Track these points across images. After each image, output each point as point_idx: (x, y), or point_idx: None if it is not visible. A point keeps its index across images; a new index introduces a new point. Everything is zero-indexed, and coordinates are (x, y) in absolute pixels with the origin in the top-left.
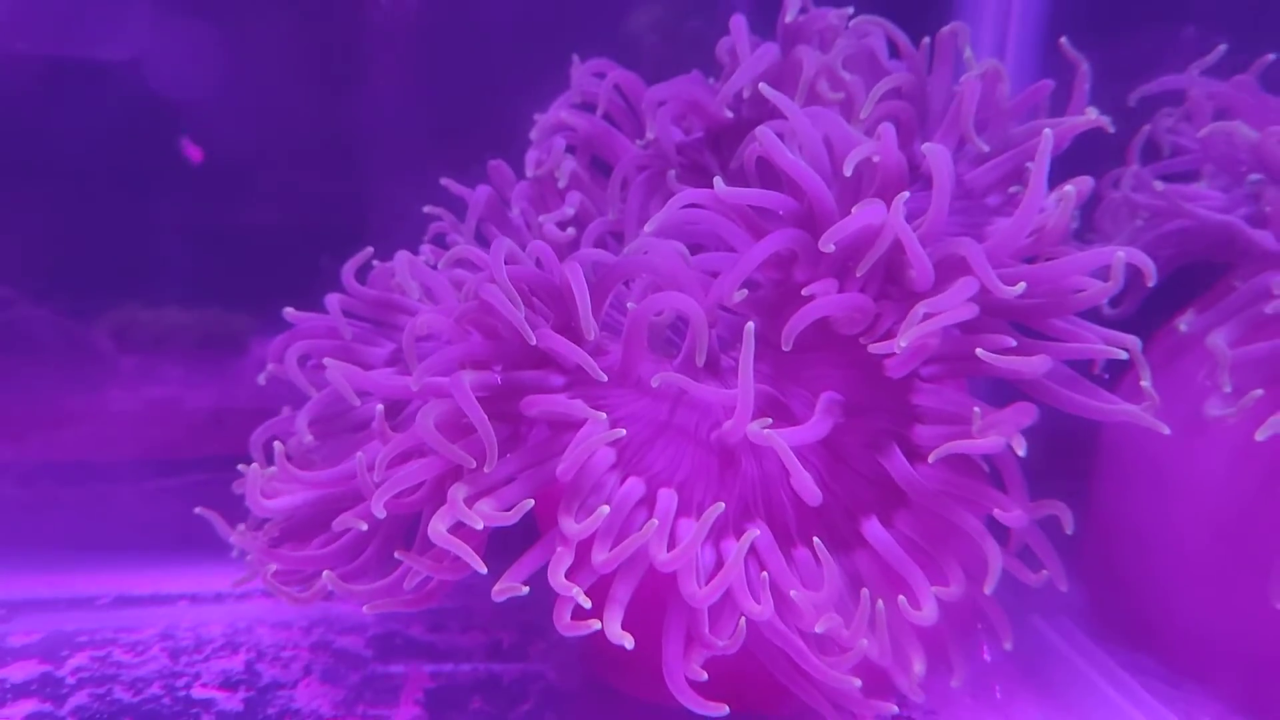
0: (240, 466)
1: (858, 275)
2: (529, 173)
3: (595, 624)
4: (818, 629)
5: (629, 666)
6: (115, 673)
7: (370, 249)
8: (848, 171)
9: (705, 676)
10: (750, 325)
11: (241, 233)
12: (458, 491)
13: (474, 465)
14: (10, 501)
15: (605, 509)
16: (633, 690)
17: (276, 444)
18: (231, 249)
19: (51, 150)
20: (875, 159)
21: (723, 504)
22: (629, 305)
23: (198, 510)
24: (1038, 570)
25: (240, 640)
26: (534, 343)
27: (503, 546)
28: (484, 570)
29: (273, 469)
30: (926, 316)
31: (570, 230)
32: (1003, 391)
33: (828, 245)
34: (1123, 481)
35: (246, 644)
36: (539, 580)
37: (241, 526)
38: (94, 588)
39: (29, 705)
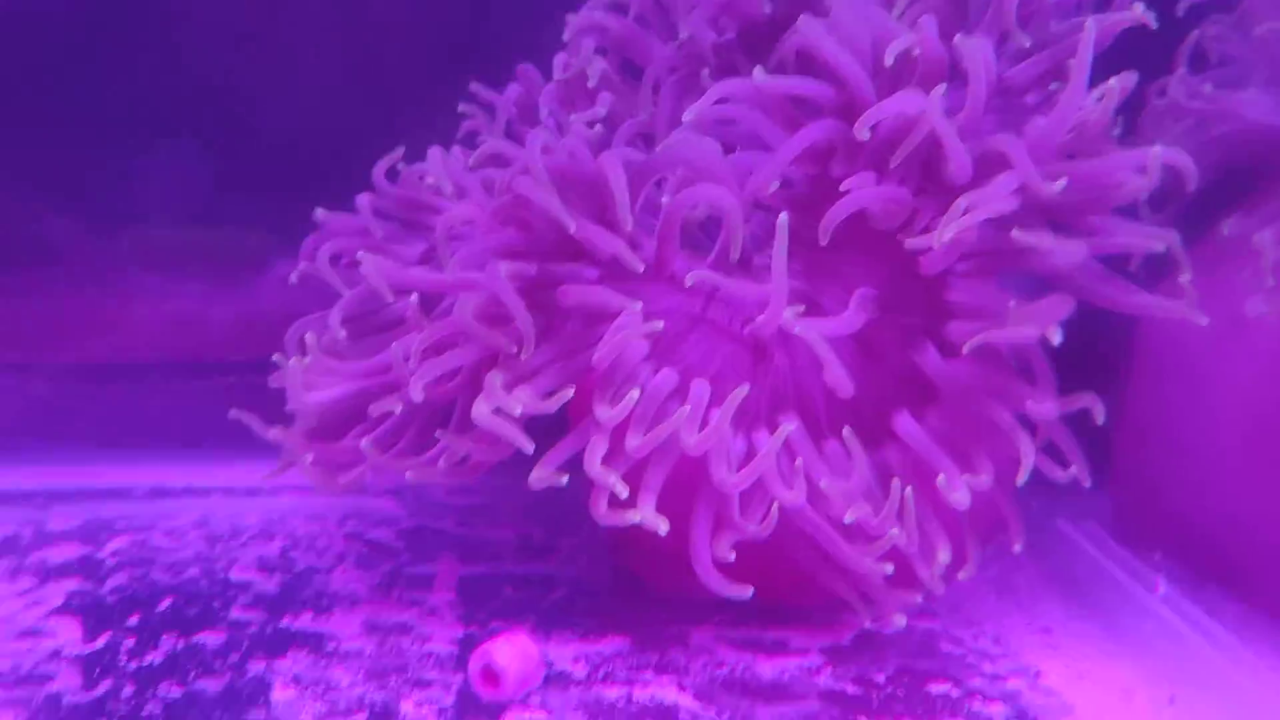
0: (276, 357)
1: (893, 166)
2: (557, 76)
3: (634, 515)
4: (847, 518)
5: (658, 558)
6: (153, 556)
7: (401, 149)
8: (889, 61)
9: (733, 557)
10: (784, 216)
11: (260, 151)
12: (495, 378)
13: (512, 352)
14: (43, 401)
15: (637, 391)
16: (662, 582)
17: (309, 336)
18: (249, 167)
19: (73, 67)
20: (915, 52)
21: (748, 386)
22: (663, 200)
23: (232, 412)
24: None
25: (275, 530)
26: (572, 230)
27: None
28: (530, 448)
29: (308, 360)
30: (967, 210)
31: (598, 128)
32: (1036, 294)
33: (864, 130)
34: (1156, 384)
35: (281, 533)
36: (571, 470)
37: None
38: (129, 480)
39: (70, 584)
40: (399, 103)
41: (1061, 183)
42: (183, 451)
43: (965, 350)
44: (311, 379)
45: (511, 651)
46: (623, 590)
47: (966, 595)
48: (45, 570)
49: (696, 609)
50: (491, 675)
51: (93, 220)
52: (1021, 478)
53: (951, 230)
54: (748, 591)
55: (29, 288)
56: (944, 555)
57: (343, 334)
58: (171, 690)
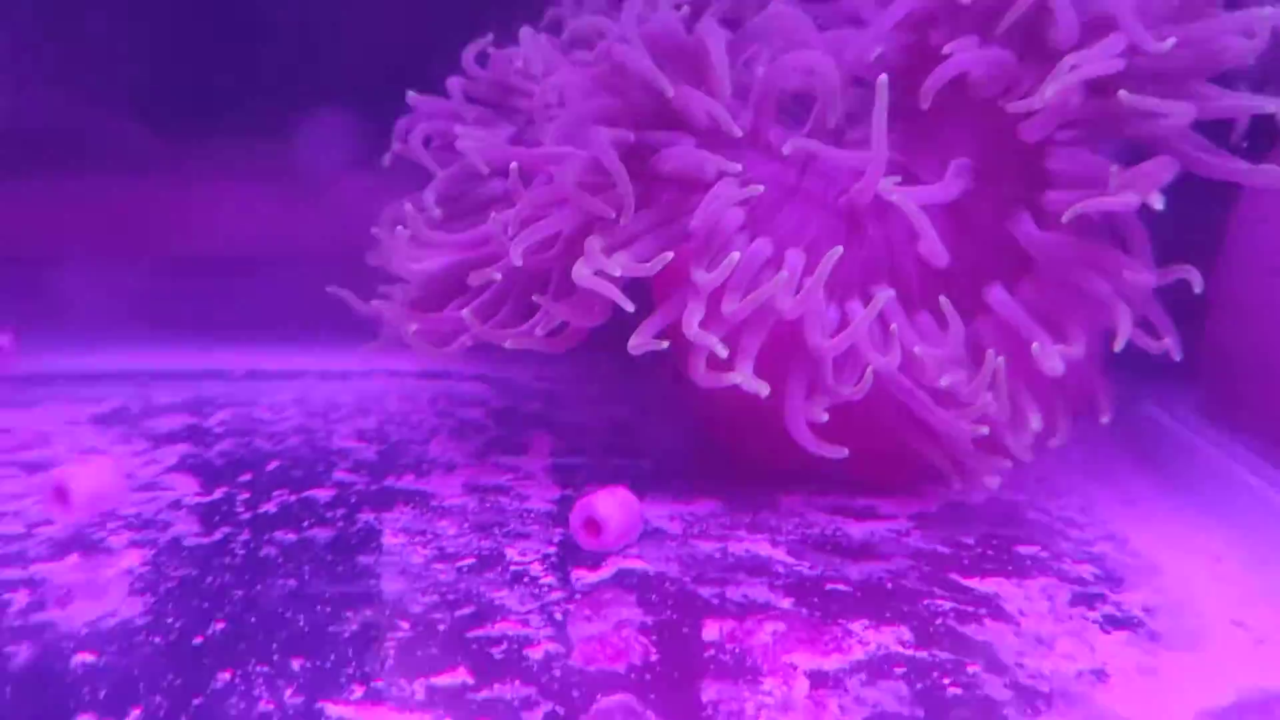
0: (374, 230)
1: (999, 33)
2: None
3: (734, 376)
4: (941, 383)
5: (745, 432)
6: (255, 427)
7: (490, 34)
8: None
9: (826, 418)
10: (883, 77)
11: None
12: (595, 242)
13: (611, 217)
14: (147, 291)
15: (736, 255)
16: (749, 455)
17: (408, 209)
18: (319, 84)
19: None
20: None
21: (841, 248)
22: (758, 71)
23: (330, 288)
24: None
25: (370, 408)
26: (670, 95)
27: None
28: (630, 307)
29: (409, 232)
30: (1072, 68)
31: (685, 9)
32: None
33: None
34: (1252, 261)
35: (376, 411)
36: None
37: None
38: (226, 364)
39: (181, 448)
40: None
41: (1171, 42)
42: (275, 339)
43: (1065, 219)
44: (414, 250)
45: (613, 503)
46: (710, 464)
47: (1053, 471)
48: (156, 436)
49: (785, 479)
50: (594, 525)
51: (183, 128)
52: (1119, 345)
53: (1056, 86)
54: (842, 451)
55: (136, 188)
56: (1035, 423)
57: (438, 212)
58: (287, 536)
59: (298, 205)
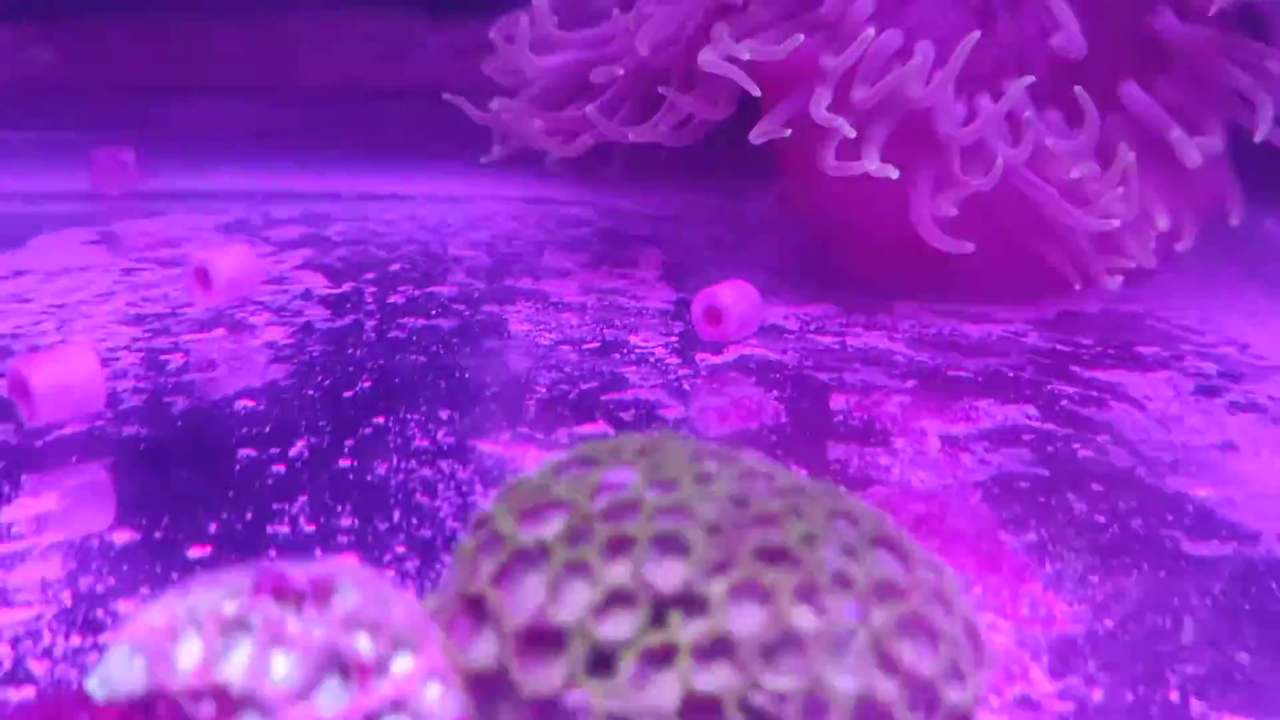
0: (491, 34)
1: None
2: None
3: (865, 164)
4: (1071, 175)
5: (860, 245)
6: (371, 237)
7: None
8: None
9: (955, 213)
10: None
11: None
12: (721, 29)
13: (738, 5)
14: (262, 118)
15: (870, 31)
16: (860, 267)
17: (532, 11)
18: None
19: None
20: None
21: (978, 33)
22: None
23: (445, 95)
24: None
25: (479, 225)
26: None
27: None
28: (757, 91)
29: (529, 32)
30: None
31: None
32: None
33: None
34: None
35: (485, 227)
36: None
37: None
38: (337, 187)
39: (305, 252)
40: None
41: None
42: (384, 166)
43: (1213, 11)
44: (538, 47)
45: (734, 293)
46: (823, 276)
47: (1172, 285)
48: (280, 242)
49: (898, 289)
50: (714, 314)
51: None
52: (1259, 135)
53: None
54: (968, 246)
55: (255, 21)
56: (1162, 223)
57: (554, 20)
58: (415, 321)
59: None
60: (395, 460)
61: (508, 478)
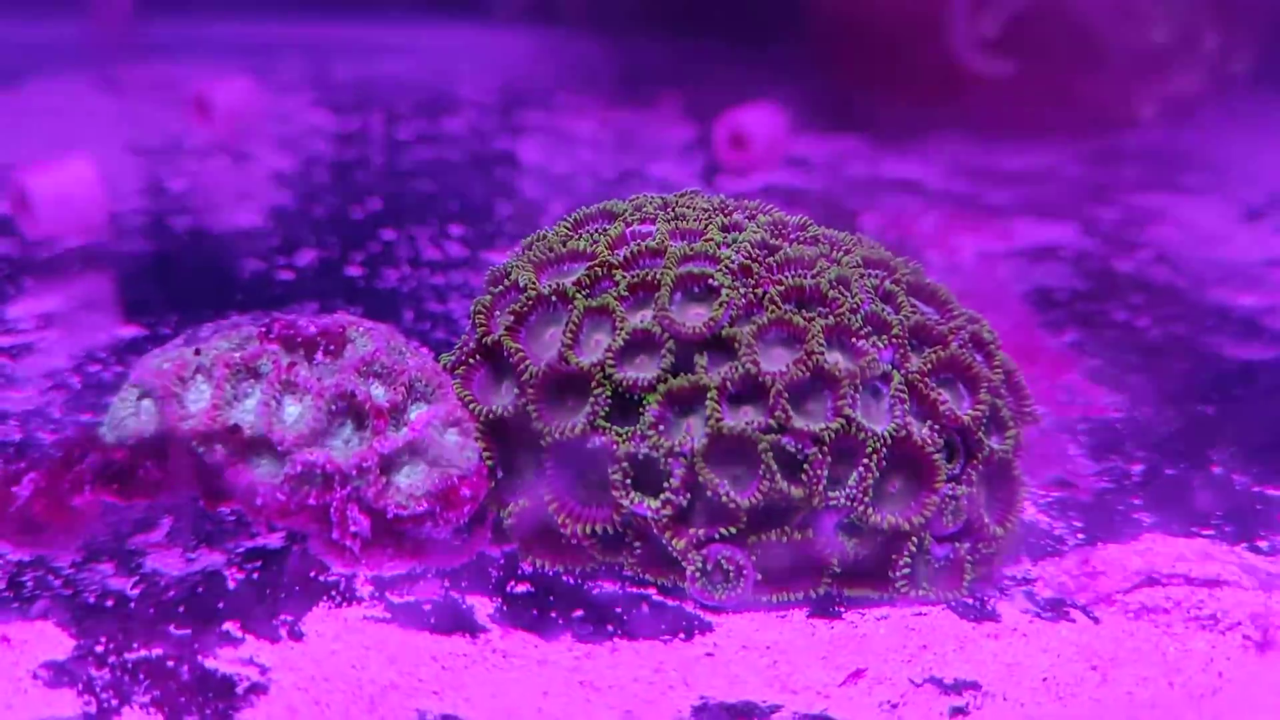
0: None
1: None
2: None
3: None
4: None
5: (890, 74)
6: (376, 79)
7: None
8: None
9: (996, 32)
10: None
11: None
12: None
13: None
14: None
15: None
16: (894, 102)
17: None
18: None
19: None
20: None
21: None
22: None
23: None
24: None
25: (490, 69)
26: None
27: None
28: None
29: None
30: None
31: None
32: None
33: None
34: None
35: (497, 72)
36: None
37: None
38: (341, 34)
39: (308, 94)
40: None
41: None
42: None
43: None
44: None
45: (760, 116)
46: (852, 111)
47: (1220, 113)
48: (284, 84)
49: (931, 122)
50: (739, 139)
51: None
52: None
53: None
54: (1008, 68)
55: None
56: (1211, 42)
57: None
58: (423, 154)
59: None
60: (406, 270)
61: None
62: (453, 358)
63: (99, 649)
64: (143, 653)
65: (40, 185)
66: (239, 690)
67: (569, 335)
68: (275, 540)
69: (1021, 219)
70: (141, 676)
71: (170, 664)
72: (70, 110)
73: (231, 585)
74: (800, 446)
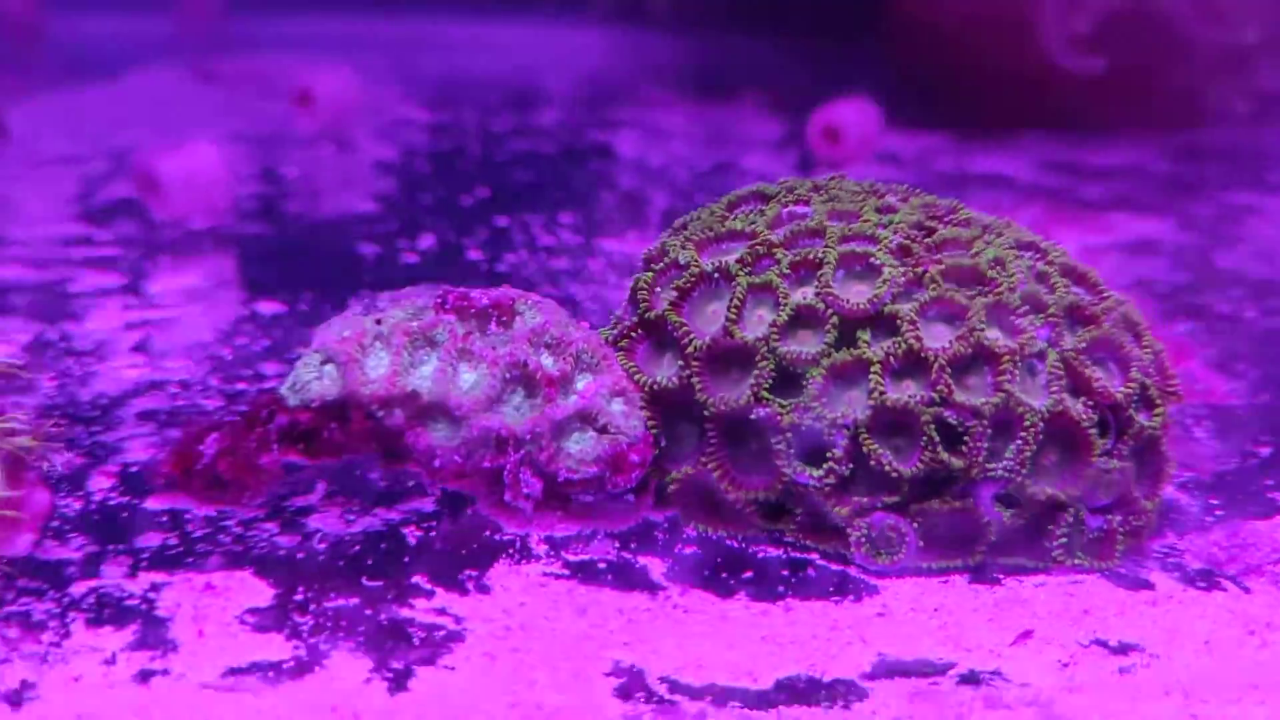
0: None
1: None
2: None
3: None
4: None
5: (975, 71)
6: (463, 74)
7: None
8: None
9: (1086, 29)
10: None
11: None
12: None
13: None
14: None
15: None
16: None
17: None
18: None
19: None
20: None
21: None
22: None
23: None
24: None
25: (575, 65)
26: None
27: None
28: None
29: None
30: None
31: None
32: None
33: None
34: None
35: (582, 67)
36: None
37: None
38: (423, 32)
39: (397, 88)
40: None
41: None
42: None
43: None
44: None
45: (853, 110)
46: (934, 108)
47: None
48: (374, 77)
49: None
50: (832, 132)
51: None
52: None
53: None
54: (1098, 65)
55: None
56: None
57: None
58: (518, 145)
59: None
60: (524, 254)
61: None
62: (612, 333)
63: (297, 598)
64: (340, 602)
65: (169, 168)
66: (437, 638)
67: (733, 311)
68: (447, 502)
69: (1117, 214)
70: (343, 624)
71: (368, 613)
72: (171, 101)
73: (412, 542)
74: (961, 419)
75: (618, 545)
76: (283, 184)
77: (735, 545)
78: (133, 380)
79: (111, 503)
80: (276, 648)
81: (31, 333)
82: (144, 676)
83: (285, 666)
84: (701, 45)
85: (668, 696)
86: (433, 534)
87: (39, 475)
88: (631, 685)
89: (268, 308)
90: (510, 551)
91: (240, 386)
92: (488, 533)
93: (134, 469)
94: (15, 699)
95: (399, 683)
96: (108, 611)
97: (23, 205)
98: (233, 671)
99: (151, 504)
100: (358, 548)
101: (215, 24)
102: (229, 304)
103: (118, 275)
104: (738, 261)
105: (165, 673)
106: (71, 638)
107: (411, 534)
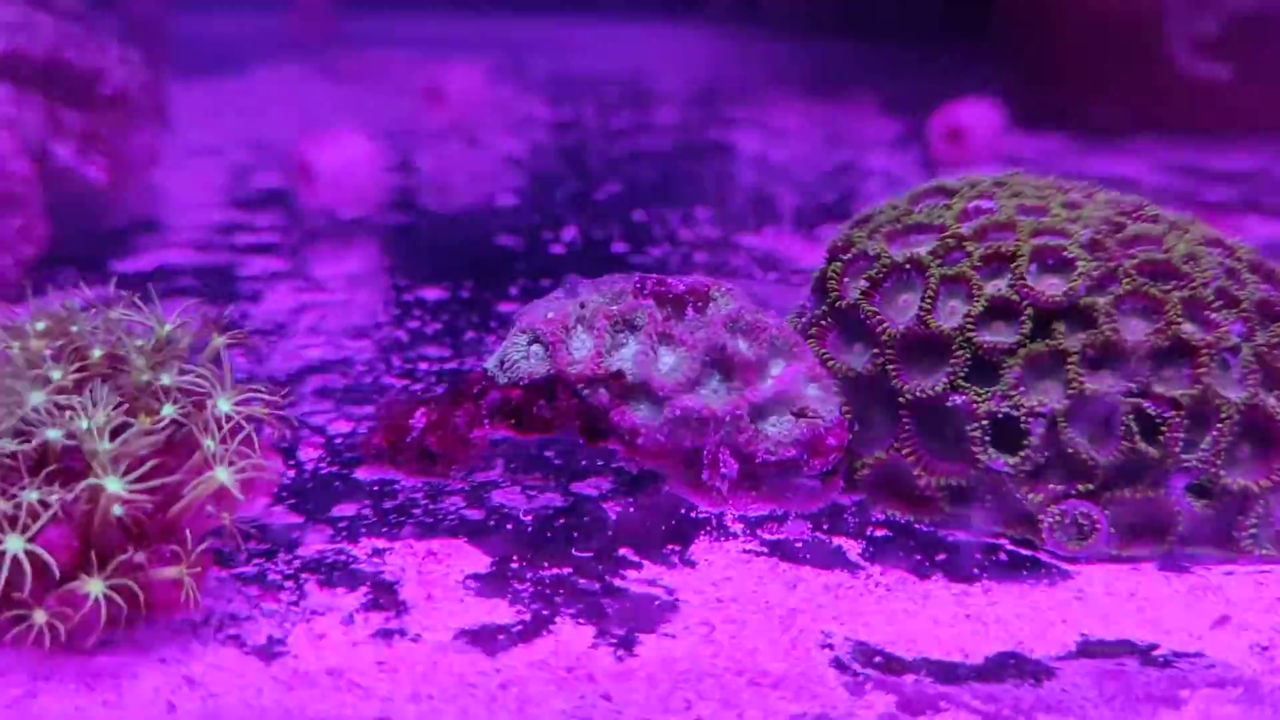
0: None
1: None
2: None
3: None
4: None
5: (1092, 73)
6: (578, 73)
7: None
8: None
9: (1215, 30)
10: None
11: None
12: None
13: None
14: None
15: None
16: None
17: None
18: None
19: None
20: None
21: None
22: None
23: None
24: None
25: (688, 65)
26: None
27: None
28: None
29: None
30: None
31: None
32: None
33: None
34: None
35: (695, 67)
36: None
37: None
38: (532, 34)
39: (513, 86)
40: None
41: None
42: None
43: None
44: None
45: (977, 112)
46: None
47: None
48: (491, 75)
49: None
50: (956, 134)
51: None
52: None
53: None
54: (1224, 72)
55: None
56: None
57: None
58: (639, 142)
59: None
60: (666, 248)
61: (782, 265)
62: (799, 321)
63: (514, 566)
64: (554, 571)
65: (323, 158)
66: (653, 607)
67: (927, 301)
68: (641, 480)
69: (1245, 217)
70: (561, 591)
71: (582, 582)
72: (299, 95)
73: (612, 517)
74: (1159, 411)
75: (810, 526)
76: (419, 176)
77: (925, 529)
78: (316, 357)
79: (323, 472)
80: (502, 612)
81: (214, 313)
82: (384, 636)
83: (514, 630)
84: (813, 46)
85: (884, 668)
86: (632, 510)
87: (271, 442)
88: (847, 657)
89: (431, 294)
90: (708, 529)
91: (422, 366)
92: (683, 511)
93: (338, 440)
94: (266, 653)
95: (626, 648)
96: (337, 574)
97: (180, 193)
98: (466, 633)
99: (361, 474)
100: (563, 521)
101: (325, 22)
102: (392, 289)
103: (281, 260)
104: (930, 253)
105: (402, 633)
106: (307, 598)
107: (611, 509)
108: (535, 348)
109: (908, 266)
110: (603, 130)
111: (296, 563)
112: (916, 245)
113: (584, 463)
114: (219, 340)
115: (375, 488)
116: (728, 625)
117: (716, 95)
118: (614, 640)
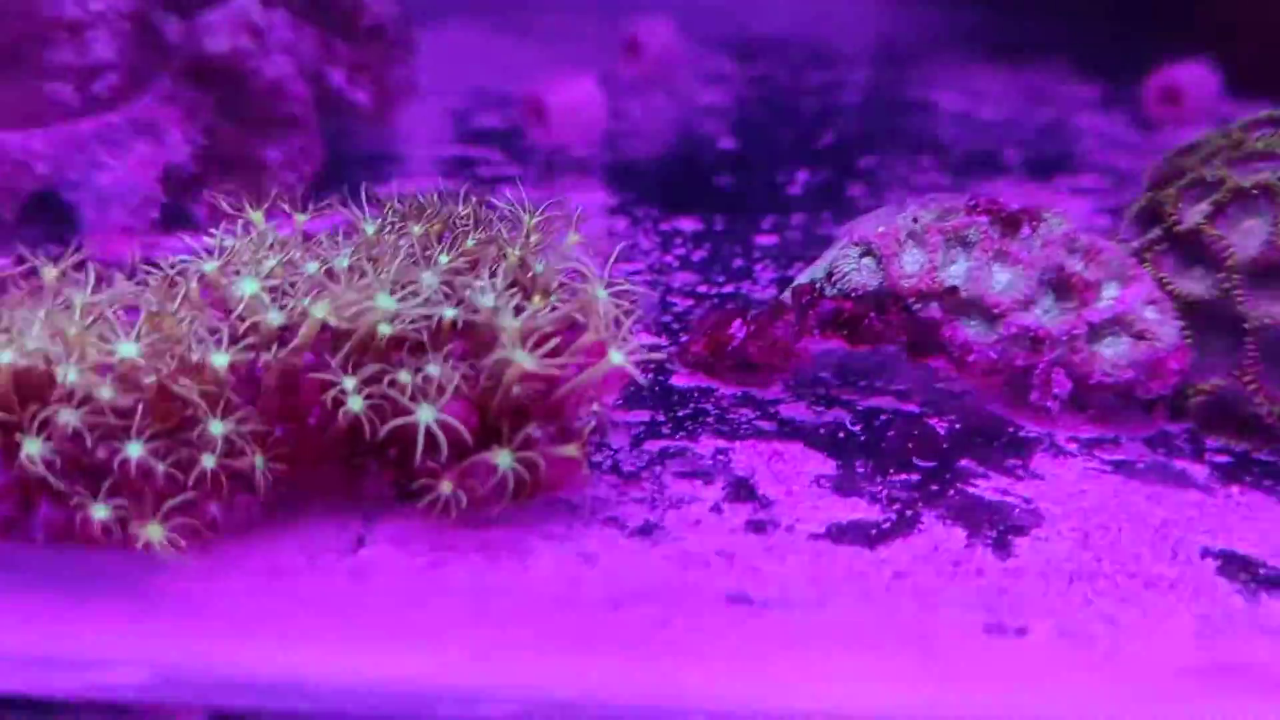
0: None
1: None
2: None
3: None
4: None
5: None
6: (751, 29)
7: None
8: None
9: None
10: None
11: None
12: None
13: None
14: None
15: None
16: None
17: None
18: None
19: None
20: None
21: None
22: None
23: None
24: None
25: (863, 22)
26: None
27: None
28: None
29: None
30: None
31: None
32: None
33: None
34: None
35: (871, 24)
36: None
37: None
38: None
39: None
40: None
41: None
42: None
43: None
44: None
45: (1194, 75)
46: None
47: None
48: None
49: None
50: (1173, 95)
51: None
52: None
53: None
54: None
55: None
56: None
57: None
58: (840, 97)
59: None
60: (903, 192)
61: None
62: (1131, 246)
63: (859, 470)
64: (902, 476)
65: (557, 99)
66: (1016, 515)
67: (1277, 228)
68: (963, 397)
69: None
70: (917, 495)
71: (934, 483)
72: (495, 50)
73: (941, 431)
74: None
75: (1147, 449)
76: (634, 121)
77: (1262, 458)
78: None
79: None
80: (864, 510)
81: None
82: (756, 526)
83: (884, 527)
84: (998, 6)
85: (1269, 582)
86: (958, 426)
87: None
88: (1231, 567)
89: (687, 224)
90: (1043, 447)
91: (701, 289)
92: (1011, 429)
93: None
94: (647, 532)
95: (1003, 548)
96: (689, 469)
97: (409, 129)
98: (837, 527)
99: (679, 381)
100: (891, 432)
101: None
102: (647, 219)
103: (529, 190)
104: (1276, 180)
105: (774, 524)
106: (668, 488)
107: (938, 424)
108: (867, 260)
109: (1255, 192)
110: (798, 86)
111: (645, 456)
112: (1259, 173)
113: (901, 379)
114: (574, 237)
115: (695, 394)
116: (1100, 532)
117: (904, 58)
118: (988, 540)
